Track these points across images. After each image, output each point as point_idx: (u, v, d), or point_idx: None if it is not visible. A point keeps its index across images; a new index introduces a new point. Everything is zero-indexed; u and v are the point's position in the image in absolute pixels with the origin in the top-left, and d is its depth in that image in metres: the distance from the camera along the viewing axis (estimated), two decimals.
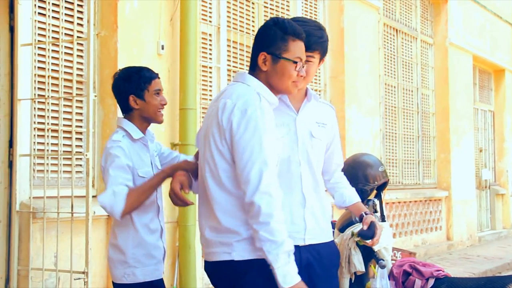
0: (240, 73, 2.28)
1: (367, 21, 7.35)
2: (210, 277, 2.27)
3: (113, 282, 2.71)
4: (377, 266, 3.06)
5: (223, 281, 2.19)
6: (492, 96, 11.33)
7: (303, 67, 2.23)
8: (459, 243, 9.12)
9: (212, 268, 2.22)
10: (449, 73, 9.15)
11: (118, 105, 4.22)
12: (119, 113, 4.31)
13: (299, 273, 2.05)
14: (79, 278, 3.62)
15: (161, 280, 2.72)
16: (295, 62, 2.20)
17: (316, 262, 2.33)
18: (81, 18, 4.33)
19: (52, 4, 4.02)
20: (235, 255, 2.11)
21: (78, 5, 4.29)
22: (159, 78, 2.76)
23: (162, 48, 4.69)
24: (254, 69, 2.25)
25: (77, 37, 4.18)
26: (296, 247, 2.15)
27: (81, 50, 4.31)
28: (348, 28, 6.97)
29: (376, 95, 7.52)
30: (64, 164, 4.04)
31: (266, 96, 2.19)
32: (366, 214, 2.59)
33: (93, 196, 4.00)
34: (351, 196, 2.65)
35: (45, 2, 3.99)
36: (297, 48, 2.21)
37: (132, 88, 2.67)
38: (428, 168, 9.09)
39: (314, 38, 2.38)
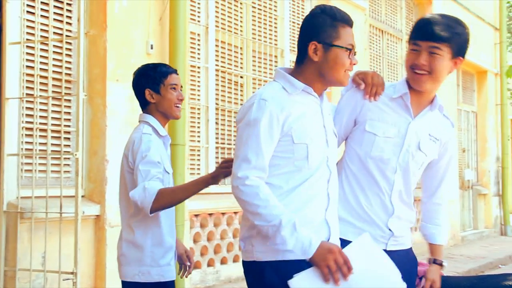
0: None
1: (353, 21, 7.38)
2: None
3: (122, 281, 2.64)
4: None
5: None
6: (475, 97, 11.46)
7: (354, 54, 2.12)
8: None
9: None
10: None
11: (107, 106, 4.30)
12: (108, 113, 4.34)
13: None
14: (68, 279, 3.60)
15: (173, 282, 2.67)
16: (348, 49, 2.09)
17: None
18: (70, 17, 4.30)
19: (41, 2, 3.98)
20: (243, 256, 2.10)
21: (67, 3, 4.27)
22: (177, 74, 2.74)
23: (151, 48, 4.68)
24: (302, 61, 2.11)
25: (67, 36, 4.16)
26: None
27: (70, 49, 4.27)
28: None
29: None
30: (52, 164, 4.01)
31: (289, 88, 2.07)
32: (433, 262, 2.44)
33: (82, 196, 3.99)
34: (434, 235, 2.48)
35: (34, 0, 3.96)
36: (347, 34, 2.09)
37: (149, 82, 2.66)
38: None
39: (443, 27, 2.21)
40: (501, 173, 11.49)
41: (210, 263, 5.38)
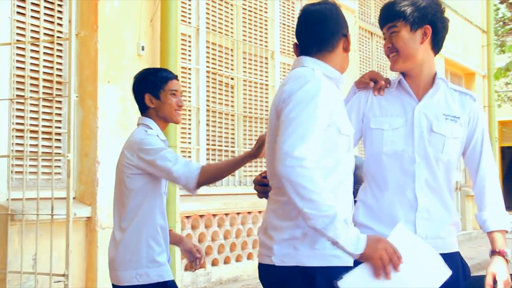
0: (298, 58, 2.07)
1: None
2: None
3: (114, 285, 2.59)
4: None
5: None
6: None
7: None
8: None
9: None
10: None
11: (98, 107, 4.29)
12: (99, 114, 4.32)
13: None
14: (59, 281, 3.58)
15: (173, 282, 2.62)
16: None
17: None
18: (61, 18, 4.28)
19: (31, 3, 3.96)
20: (276, 260, 1.91)
21: (58, 4, 4.24)
22: (177, 79, 2.72)
23: (143, 49, 4.67)
24: (331, 50, 2.04)
25: (57, 37, 4.14)
26: None
27: (60, 50, 4.26)
28: None
29: None
30: (42, 166, 3.99)
31: (330, 74, 2.00)
32: (492, 254, 2.23)
33: (73, 198, 3.97)
34: (485, 222, 2.23)
35: (24, 1, 3.94)
36: None
37: (149, 87, 2.65)
38: None
39: (391, 7, 2.19)
40: None
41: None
